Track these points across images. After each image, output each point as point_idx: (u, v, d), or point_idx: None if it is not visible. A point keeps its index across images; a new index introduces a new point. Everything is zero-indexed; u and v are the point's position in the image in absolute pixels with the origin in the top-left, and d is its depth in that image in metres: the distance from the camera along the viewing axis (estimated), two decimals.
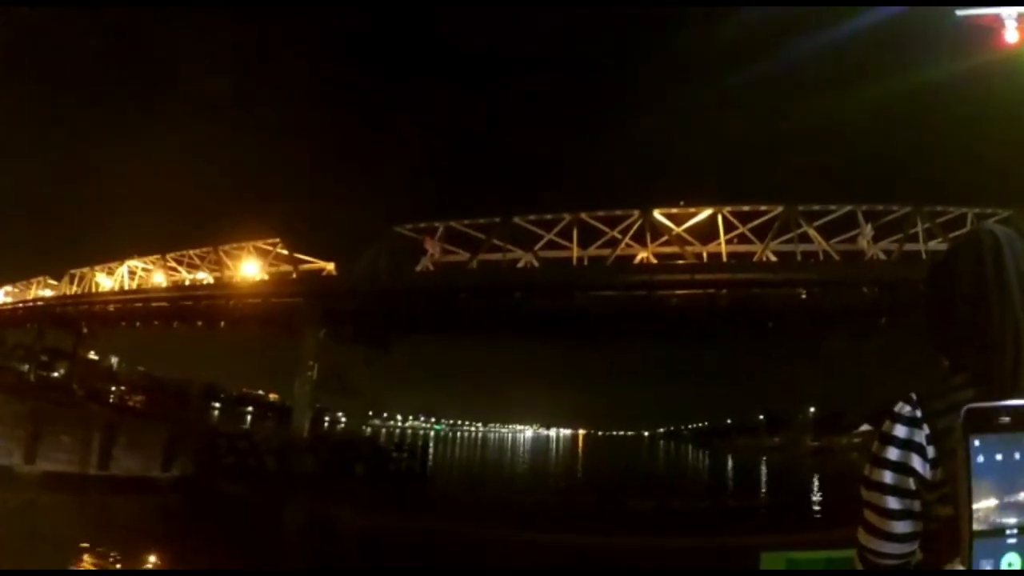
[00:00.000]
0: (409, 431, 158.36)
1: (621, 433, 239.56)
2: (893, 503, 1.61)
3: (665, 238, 38.59)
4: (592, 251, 40.32)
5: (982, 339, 1.61)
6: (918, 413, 1.62)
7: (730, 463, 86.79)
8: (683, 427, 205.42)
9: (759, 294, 36.41)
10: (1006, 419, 1.35)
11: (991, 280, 1.64)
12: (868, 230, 37.22)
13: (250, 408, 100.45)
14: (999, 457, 1.34)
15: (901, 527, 1.62)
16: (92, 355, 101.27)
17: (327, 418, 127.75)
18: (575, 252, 39.67)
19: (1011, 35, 13.32)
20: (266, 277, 50.49)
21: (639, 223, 38.33)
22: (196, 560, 15.35)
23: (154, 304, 58.02)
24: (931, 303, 1.78)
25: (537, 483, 47.56)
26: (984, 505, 1.33)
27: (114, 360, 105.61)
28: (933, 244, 35.50)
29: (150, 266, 59.70)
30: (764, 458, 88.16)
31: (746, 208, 37.76)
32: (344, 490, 32.04)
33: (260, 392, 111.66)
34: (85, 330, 69.14)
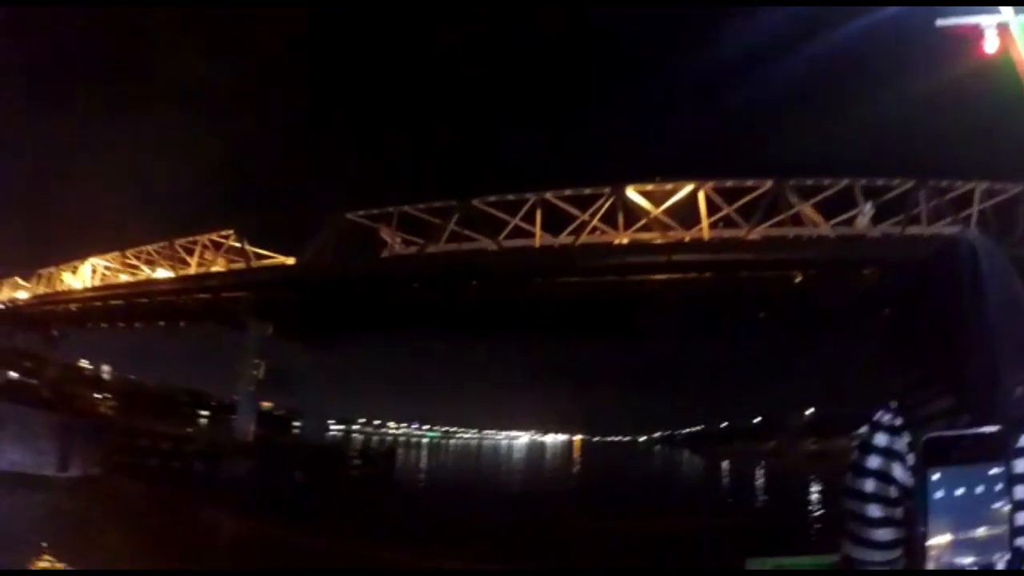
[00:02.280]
0: (403, 438, 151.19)
1: (617, 439, 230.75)
2: (875, 511, 1.50)
3: (643, 222, 31.92)
4: (562, 238, 33.65)
5: (958, 347, 1.48)
6: (898, 421, 1.52)
7: (724, 470, 79.93)
8: (677, 432, 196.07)
9: (747, 278, 29.69)
10: (968, 450, 1.26)
11: (967, 288, 1.52)
12: (867, 208, 30.62)
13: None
14: (959, 492, 1.25)
15: (884, 535, 1.49)
16: (84, 363, 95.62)
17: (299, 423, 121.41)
18: (538, 237, 33.02)
19: (991, 45, 12.62)
20: (221, 271, 44.80)
21: (611, 203, 31.70)
22: None
23: (112, 303, 52.33)
24: (906, 311, 1.68)
25: (510, 495, 40.55)
26: (941, 542, 1.24)
27: (106, 368, 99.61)
28: (940, 226, 28.98)
29: (112, 264, 54.23)
30: (759, 464, 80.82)
31: (730, 184, 31.05)
32: (262, 498, 27.47)
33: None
34: (55, 332, 63.85)
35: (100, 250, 55.33)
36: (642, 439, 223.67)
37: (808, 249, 29.29)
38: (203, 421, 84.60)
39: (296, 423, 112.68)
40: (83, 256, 56.12)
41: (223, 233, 45.80)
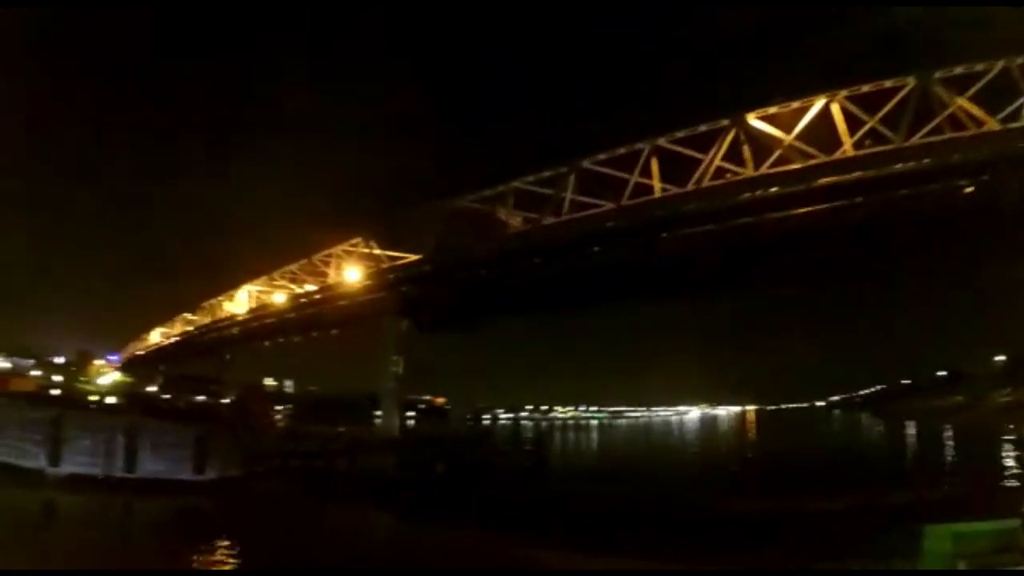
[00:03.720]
0: (571, 421, 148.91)
1: (792, 406, 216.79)
2: None
3: (775, 154, 27.29)
4: (689, 189, 29.62)
5: None
6: None
7: (907, 432, 71.00)
8: (856, 393, 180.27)
9: (907, 197, 24.50)
10: None
11: None
12: None
13: (412, 413, 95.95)
14: None
15: None
16: (269, 381, 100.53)
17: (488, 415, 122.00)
18: (657, 188, 29.30)
19: None
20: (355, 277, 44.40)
21: (732, 137, 27.44)
22: None
23: (267, 321, 53.37)
24: None
25: (663, 477, 36.64)
26: None
27: (289, 383, 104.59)
28: None
29: (263, 287, 55.43)
30: (946, 422, 71.38)
31: (866, 89, 25.77)
32: (392, 492, 26.93)
33: (427, 397, 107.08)
34: (227, 356, 66.50)
35: (251, 276, 56.86)
36: (819, 404, 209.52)
37: (976, 148, 23.71)
38: (378, 421, 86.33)
39: (469, 415, 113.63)
40: (238, 284, 57.86)
41: (352, 242, 45.51)
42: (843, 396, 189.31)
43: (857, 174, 23.94)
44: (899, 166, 23.42)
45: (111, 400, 67.93)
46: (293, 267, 51.62)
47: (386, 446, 34.53)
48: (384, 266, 41.52)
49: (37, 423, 25.44)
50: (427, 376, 45.08)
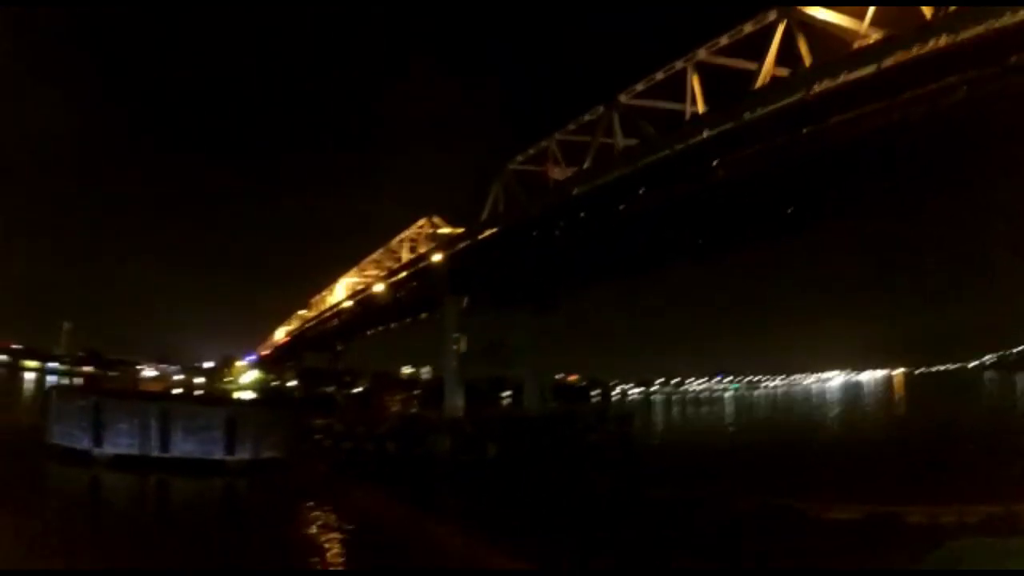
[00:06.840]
0: (704, 394, 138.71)
1: (941, 368, 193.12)
2: None
3: (856, 47, 20.25)
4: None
5: None
6: None
7: None
8: (1011, 351, 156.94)
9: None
10: None
11: None
12: None
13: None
14: None
15: None
16: (405, 369, 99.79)
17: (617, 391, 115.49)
18: (700, 104, 23.24)
19: None
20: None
21: (784, 30, 20.81)
22: None
23: (356, 310, 51.26)
24: None
25: (762, 467, 30.13)
26: None
27: (425, 370, 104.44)
28: None
29: (355, 277, 53.76)
30: None
31: None
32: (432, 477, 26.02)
33: (558, 375, 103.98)
34: (339, 347, 65.58)
35: (344, 269, 55.42)
36: (972, 364, 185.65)
37: None
38: (505, 403, 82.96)
39: (593, 392, 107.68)
40: (336, 277, 56.59)
41: (419, 224, 43.10)
42: (997, 354, 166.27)
43: (945, 39, 16.53)
44: (1007, 17, 15.68)
45: (249, 395, 68.87)
46: (375, 255, 49.55)
47: (442, 428, 30.51)
48: (437, 243, 37.93)
49: (83, 409, 25.67)
50: (506, 354, 40.54)
